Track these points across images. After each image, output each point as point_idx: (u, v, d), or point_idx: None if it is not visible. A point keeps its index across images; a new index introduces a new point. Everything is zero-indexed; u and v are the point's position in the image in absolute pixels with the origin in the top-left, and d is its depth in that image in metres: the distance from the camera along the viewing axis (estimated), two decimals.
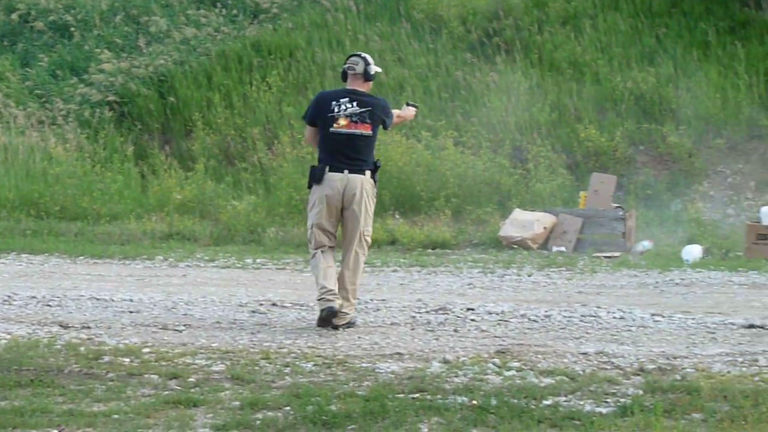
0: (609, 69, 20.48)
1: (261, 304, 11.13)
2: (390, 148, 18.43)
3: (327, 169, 9.43)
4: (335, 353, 8.65)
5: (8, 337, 9.22)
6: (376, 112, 9.54)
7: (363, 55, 9.70)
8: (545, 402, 6.97)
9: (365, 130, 9.46)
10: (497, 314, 10.44)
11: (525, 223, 16.19)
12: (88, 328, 9.81)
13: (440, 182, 17.99)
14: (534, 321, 10.13)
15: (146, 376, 7.84)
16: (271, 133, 20.34)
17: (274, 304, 11.16)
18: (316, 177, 9.48)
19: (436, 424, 6.54)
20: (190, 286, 12.74)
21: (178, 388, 7.52)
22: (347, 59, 9.75)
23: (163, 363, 8.27)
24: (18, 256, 15.43)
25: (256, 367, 8.13)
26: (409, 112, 10.26)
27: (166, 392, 7.36)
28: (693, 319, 10.13)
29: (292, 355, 8.58)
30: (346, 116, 9.43)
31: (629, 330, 9.69)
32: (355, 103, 9.46)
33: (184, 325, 9.96)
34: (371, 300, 11.34)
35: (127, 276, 13.68)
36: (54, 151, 19.79)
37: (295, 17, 23.25)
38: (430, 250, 16.00)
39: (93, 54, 22.64)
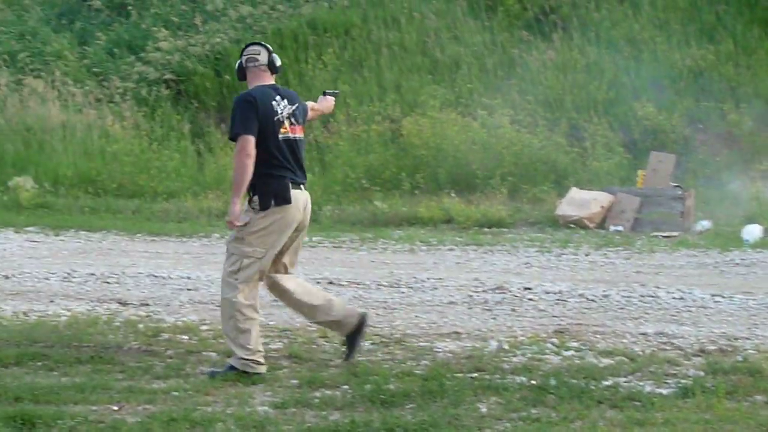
0: (667, 46, 20.25)
1: (318, 282, 11.13)
2: (446, 126, 18.37)
3: (290, 185, 7.42)
4: (392, 332, 8.64)
5: (68, 313, 9.31)
6: (300, 109, 7.65)
7: (263, 43, 7.72)
8: (605, 382, 6.92)
9: (301, 133, 7.59)
10: (555, 294, 10.38)
11: (582, 202, 16.08)
12: (147, 305, 9.88)
13: (496, 160, 17.90)
14: (592, 301, 10.05)
15: (205, 353, 7.89)
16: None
17: (330, 282, 11.16)
18: (282, 196, 7.36)
19: (494, 404, 6.50)
20: None
21: None
22: (244, 50, 7.67)
23: (221, 341, 8.27)
24: (76, 233, 15.54)
25: (314, 346, 8.15)
26: (327, 103, 8.29)
27: None
28: (754, 299, 10.00)
29: None
30: (287, 118, 7.44)
31: (689, 310, 9.59)
32: (285, 101, 7.49)
33: None
34: (428, 279, 11.31)
35: (184, 253, 13.74)
36: (111, 129, 19.93)
37: None
38: (486, 229, 15.92)
39: (150, 32, 22.73)
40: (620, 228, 15.71)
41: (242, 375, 7.15)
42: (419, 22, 22.03)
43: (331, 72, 21.03)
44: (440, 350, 7.95)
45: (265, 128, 7.32)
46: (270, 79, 7.57)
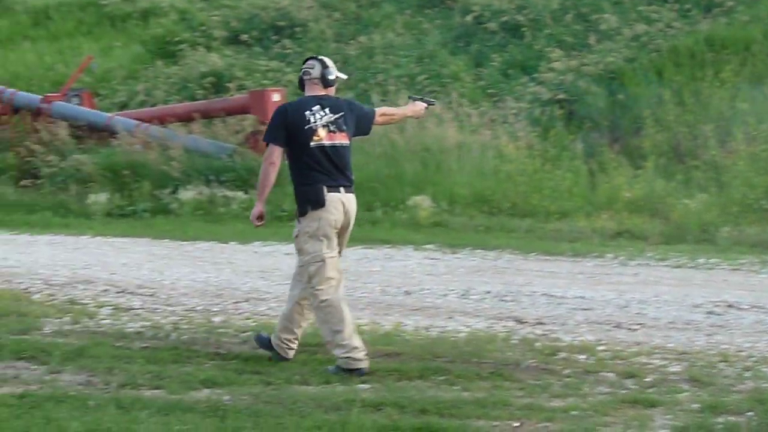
0: None
1: (716, 306, 10.84)
2: None
3: (325, 189, 8.03)
4: None
5: (467, 330, 9.53)
6: (349, 117, 8.27)
7: (320, 57, 8.36)
8: None
9: (343, 139, 8.17)
10: None
11: None
12: (543, 324, 9.96)
13: None
14: None
15: (602, 374, 7.87)
16: (724, 131, 19.72)
17: (730, 306, 10.82)
18: (317, 200, 8.01)
19: None
20: (642, 284, 12.59)
21: (635, 387, 7.49)
22: (303, 63, 8.47)
23: (619, 361, 8.25)
24: (472, 252, 15.86)
25: (714, 370, 7.94)
26: (415, 107, 8.83)
27: (623, 391, 7.35)
28: None
29: (752, 359, 8.31)
30: (323, 126, 8.09)
31: None
32: (327, 110, 8.16)
33: (638, 324, 9.88)
34: None
35: (577, 273, 13.72)
36: (505, 149, 20.22)
37: (752, 9, 22.45)
38: None
39: (543, 53, 22.96)
40: None
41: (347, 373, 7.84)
42: None
43: (729, 90, 20.40)
44: None
45: (296, 136, 8.08)
46: (321, 91, 8.25)
